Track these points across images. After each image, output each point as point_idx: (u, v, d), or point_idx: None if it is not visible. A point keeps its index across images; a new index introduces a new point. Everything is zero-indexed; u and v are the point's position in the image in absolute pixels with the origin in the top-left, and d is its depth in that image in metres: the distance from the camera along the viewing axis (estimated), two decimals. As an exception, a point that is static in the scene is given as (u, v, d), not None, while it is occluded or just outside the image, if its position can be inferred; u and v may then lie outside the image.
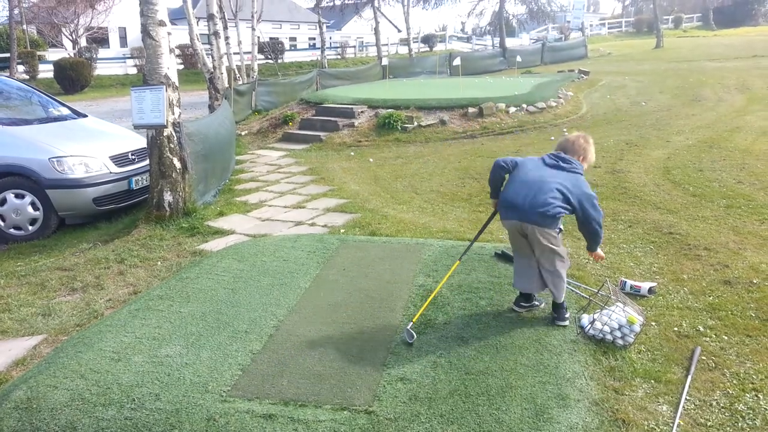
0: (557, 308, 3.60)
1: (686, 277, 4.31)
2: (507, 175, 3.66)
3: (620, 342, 3.28)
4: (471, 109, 12.46)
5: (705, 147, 9.09)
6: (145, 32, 5.83)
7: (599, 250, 3.64)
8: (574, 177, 3.49)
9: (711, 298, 3.94)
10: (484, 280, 4.21)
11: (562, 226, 3.62)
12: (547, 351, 3.17)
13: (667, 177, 7.37)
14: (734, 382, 2.98)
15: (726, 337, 3.42)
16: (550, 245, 3.46)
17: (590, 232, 3.53)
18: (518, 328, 3.44)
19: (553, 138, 10.79)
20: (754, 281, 4.14)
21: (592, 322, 3.36)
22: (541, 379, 2.90)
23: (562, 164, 3.56)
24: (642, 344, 3.34)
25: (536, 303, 3.78)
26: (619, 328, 3.29)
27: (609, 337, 3.29)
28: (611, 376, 3.01)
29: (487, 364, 3.04)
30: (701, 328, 3.52)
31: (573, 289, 4.04)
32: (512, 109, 12.76)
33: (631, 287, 4.03)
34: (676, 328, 3.53)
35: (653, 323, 3.59)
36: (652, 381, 2.98)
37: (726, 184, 6.83)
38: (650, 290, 4.01)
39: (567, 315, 3.59)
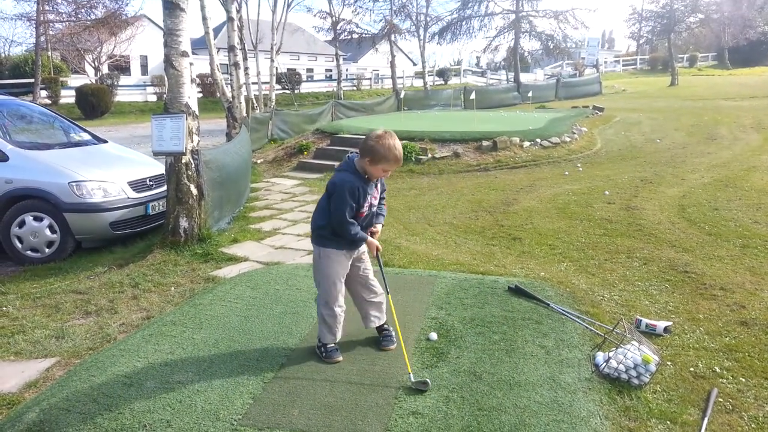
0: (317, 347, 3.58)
1: (702, 316, 4.26)
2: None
3: (635, 381, 3.23)
4: (485, 143, 12.54)
5: (721, 186, 9.06)
6: (168, 62, 5.96)
7: (369, 239, 3.50)
8: (334, 175, 3.42)
9: (728, 338, 3.89)
10: (498, 314, 4.18)
11: (334, 248, 3.45)
12: (562, 389, 3.14)
13: (682, 215, 7.34)
14: (752, 426, 2.92)
15: (743, 379, 3.36)
16: (313, 268, 3.54)
17: (333, 227, 3.39)
18: (532, 365, 3.41)
19: (567, 173, 10.81)
20: (772, 323, 4.09)
21: (607, 361, 3.33)
22: (555, 417, 2.87)
23: (336, 167, 3.52)
24: (657, 384, 3.29)
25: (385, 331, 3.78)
26: (635, 367, 3.25)
27: (624, 376, 3.25)
28: (626, 416, 2.97)
29: (501, 401, 3.01)
30: (718, 369, 3.47)
31: (587, 326, 4.00)
32: (526, 144, 12.83)
33: (646, 326, 3.99)
34: (692, 369, 3.48)
35: (669, 363, 3.54)
36: (668, 422, 2.93)
37: (742, 224, 6.78)
38: (666, 329, 3.96)
39: (330, 357, 3.50)
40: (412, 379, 3.29)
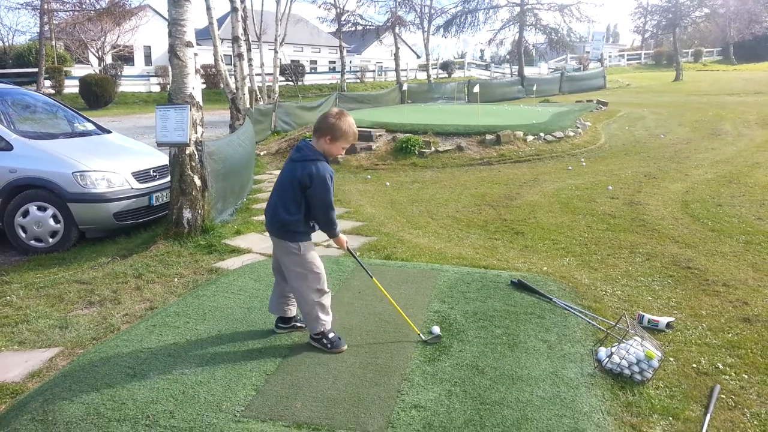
0: (316, 340, 3.54)
1: (705, 312, 4.25)
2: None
3: (638, 377, 3.24)
4: (488, 136, 12.52)
5: (724, 182, 9.03)
6: (173, 52, 5.94)
7: (341, 236, 3.58)
8: (304, 165, 3.31)
9: (730, 335, 3.89)
10: (500, 308, 4.18)
11: (309, 239, 3.49)
12: (564, 384, 3.14)
13: (685, 211, 7.32)
14: (755, 422, 2.92)
15: (746, 376, 3.36)
16: (292, 263, 3.45)
17: (318, 220, 3.42)
18: (534, 359, 3.42)
19: (570, 168, 10.79)
20: (775, 320, 4.08)
21: (609, 356, 3.33)
22: (558, 412, 2.87)
23: (293, 157, 3.41)
24: (660, 380, 3.29)
25: (297, 324, 3.78)
26: (637, 363, 3.25)
27: (627, 371, 3.25)
28: (629, 411, 2.97)
29: (503, 395, 3.01)
30: (720, 366, 3.47)
31: (590, 321, 4.01)
32: (530, 138, 12.80)
33: (648, 321, 3.99)
34: (694, 365, 3.48)
35: (671, 359, 3.54)
36: (670, 418, 2.93)
37: (745, 220, 6.77)
38: (668, 325, 3.96)
39: (337, 346, 3.51)
40: (424, 338, 3.62)
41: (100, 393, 2.99)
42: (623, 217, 7.04)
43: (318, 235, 3.57)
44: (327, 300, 3.53)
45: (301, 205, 3.35)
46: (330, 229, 3.47)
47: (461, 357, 3.44)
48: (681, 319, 4.13)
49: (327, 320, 3.52)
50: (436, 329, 3.75)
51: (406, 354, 3.48)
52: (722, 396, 3.14)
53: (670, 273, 5.11)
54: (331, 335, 3.55)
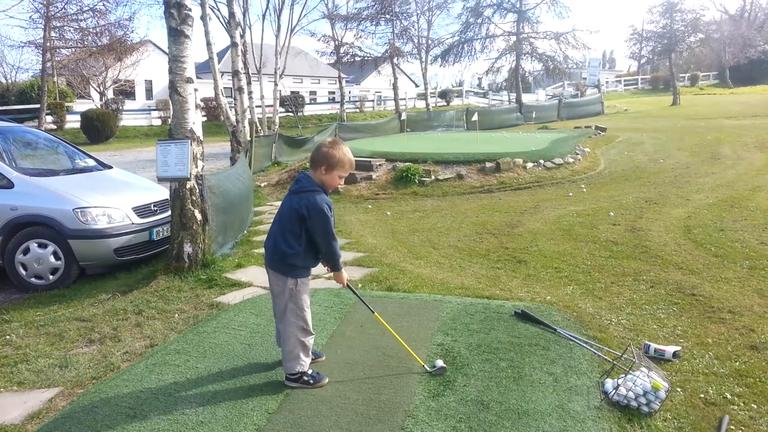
0: (294, 380, 3.46)
1: (711, 341, 4.20)
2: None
3: (645, 409, 3.18)
4: (488, 164, 12.57)
5: (726, 206, 9.03)
6: (173, 88, 6.00)
7: (342, 271, 3.56)
8: (302, 197, 3.31)
9: (737, 363, 3.84)
10: (504, 340, 4.14)
11: (306, 275, 3.46)
12: (571, 418, 3.08)
13: (688, 236, 7.30)
14: (766, 455, 2.86)
15: (755, 406, 3.30)
16: (285, 298, 3.39)
17: (322, 251, 3.41)
18: (540, 393, 3.36)
19: (571, 194, 10.80)
20: (783, 347, 4.03)
21: (616, 388, 3.28)
22: (565, 447, 2.82)
23: (292, 189, 3.42)
24: (667, 411, 3.23)
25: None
26: (644, 395, 3.20)
27: (634, 403, 3.20)
28: (637, 445, 2.91)
29: (509, 431, 2.96)
30: (728, 395, 3.41)
31: (595, 351, 3.96)
32: (529, 165, 12.85)
33: (655, 351, 3.94)
34: (702, 395, 3.43)
35: (678, 389, 3.49)
36: (680, 452, 2.87)
37: (748, 245, 6.74)
38: (675, 354, 3.91)
39: (319, 380, 3.48)
40: (428, 369, 3.60)
41: (99, 435, 2.95)
42: (626, 244, 7.02)
43: (318, 268, 3.56)
44: (310, 341, 3.50)
45: (300, 238, 3.34)
46: (333, 262, 3.47)
47: (466, 392, 3.39)
48: (687, 348, 4.08)
49: (306, 362, 3.48)
50: (440, 363, 3.71)
51: (410, 389, 3.43)
52: (731, 427, 3.09)
53: (675, 300, 5.07)
54: (310, 371, 3.52)
